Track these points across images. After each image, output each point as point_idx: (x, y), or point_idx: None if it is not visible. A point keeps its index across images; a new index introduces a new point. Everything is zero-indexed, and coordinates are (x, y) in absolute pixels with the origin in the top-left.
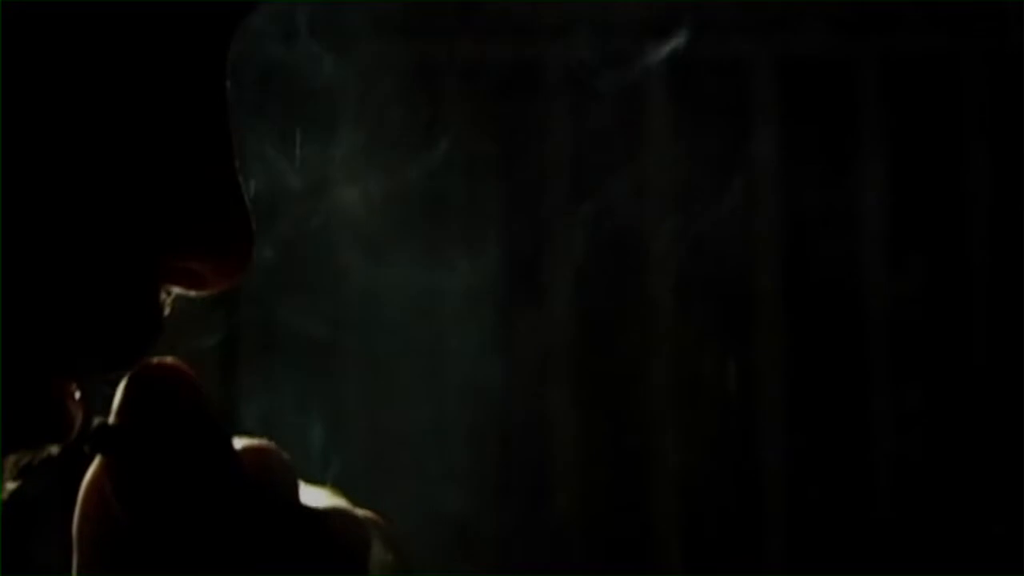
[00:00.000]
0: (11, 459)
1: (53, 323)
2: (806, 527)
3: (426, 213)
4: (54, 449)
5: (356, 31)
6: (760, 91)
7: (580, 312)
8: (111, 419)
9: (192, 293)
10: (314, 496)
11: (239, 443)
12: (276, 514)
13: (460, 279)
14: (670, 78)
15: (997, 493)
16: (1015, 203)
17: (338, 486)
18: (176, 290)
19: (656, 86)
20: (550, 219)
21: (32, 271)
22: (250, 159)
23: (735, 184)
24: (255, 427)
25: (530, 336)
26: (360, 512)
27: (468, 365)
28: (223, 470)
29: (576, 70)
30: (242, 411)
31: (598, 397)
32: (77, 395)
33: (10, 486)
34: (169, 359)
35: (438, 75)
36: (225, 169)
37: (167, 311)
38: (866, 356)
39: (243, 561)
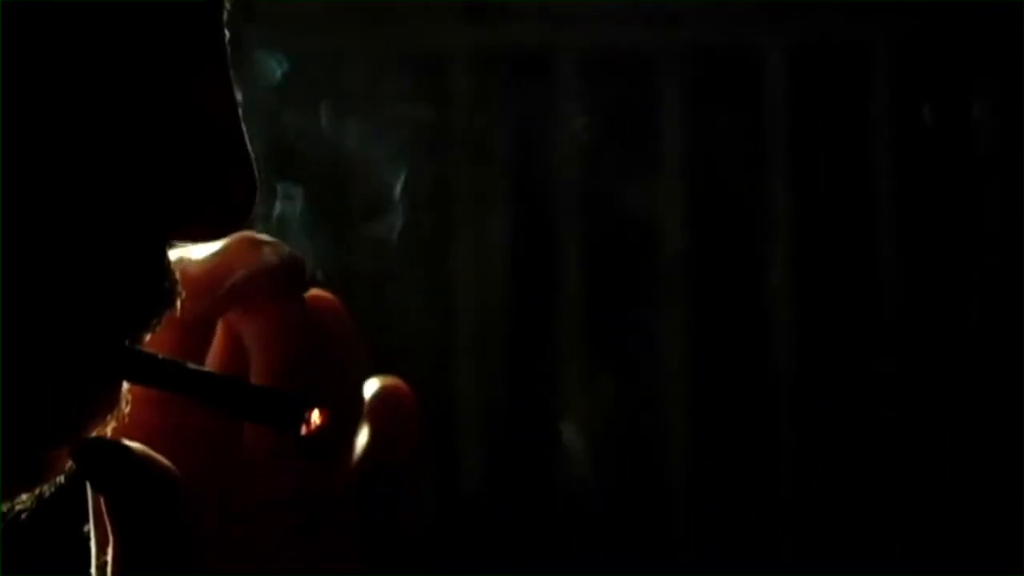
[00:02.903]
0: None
1: (60, 307)
2: (808, 524)
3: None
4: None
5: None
6: (772, 78)
7: (591, 300)
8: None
9: (191, 243)
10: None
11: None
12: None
13: (471, 264)
14: (682, 66)
15: (997, 493)
16: None
17: None
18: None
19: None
20: (560, 205)
21: (35, 254)
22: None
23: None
24: None
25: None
26: None
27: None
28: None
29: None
30: None
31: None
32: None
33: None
34: None
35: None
36: (231, 135)
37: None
38: (877, 347)
39: None
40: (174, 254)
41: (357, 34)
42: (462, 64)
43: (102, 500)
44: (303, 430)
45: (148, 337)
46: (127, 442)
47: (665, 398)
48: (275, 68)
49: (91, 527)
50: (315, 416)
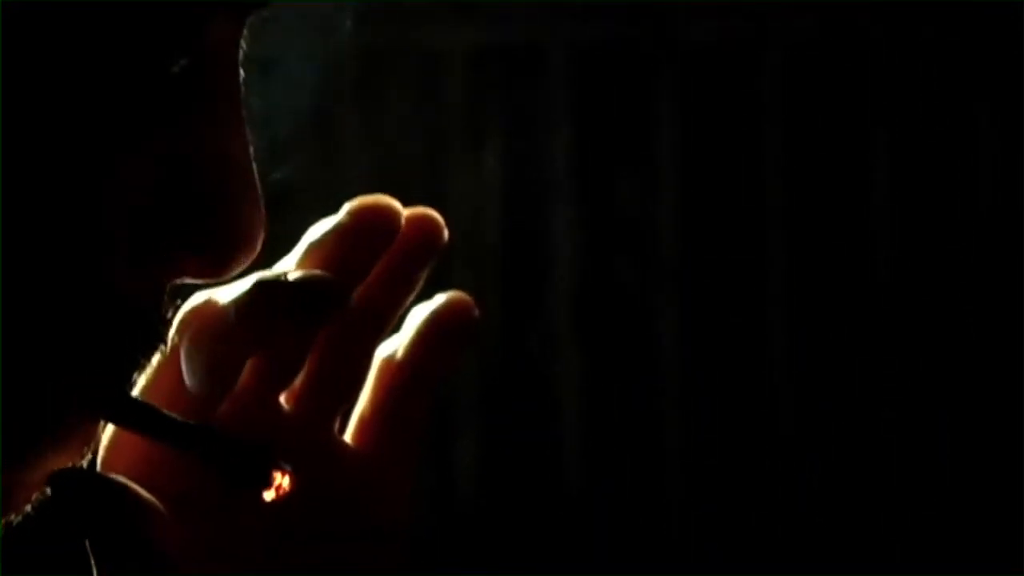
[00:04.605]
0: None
1: (41, 339)
2: (808, 524)
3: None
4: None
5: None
6: (768, 75)
7: (586, 297)
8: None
9: (202, 280)
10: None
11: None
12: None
13: (466, 261)
14: (675, 63)
15: (997, 493)
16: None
17: None
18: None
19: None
20: (553, 198)
21: (22, 286)
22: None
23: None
24: None
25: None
26: None
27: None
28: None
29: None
30: None
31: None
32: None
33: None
34: None
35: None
36: (240, 171)
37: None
38: (876, 347)
39: None
40: (203, 295)
41: (351, 33)
42: (455, 62)
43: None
44: (270, 494)
45: (137, 376)
46: (106, 473)
47: (663, 398)
48: (267, 68)
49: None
50: (284, 481)
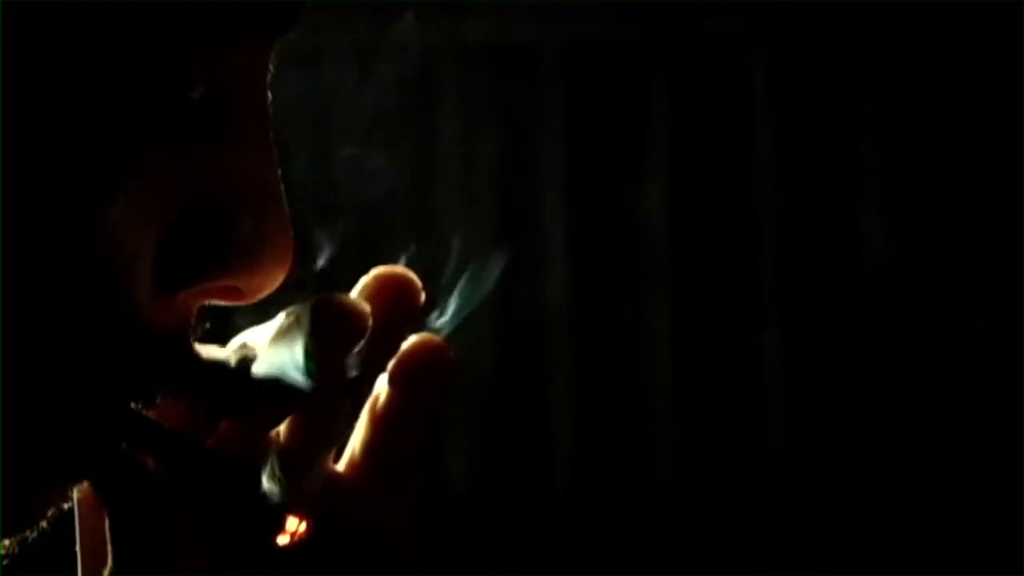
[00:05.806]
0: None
1: (62, 360)
2: (805, 523)
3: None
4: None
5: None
6: (759, 74)
7: (579, 295)
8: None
9: (230, 303)
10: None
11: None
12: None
13: (455, 254)
14: (668, 60)
15: (997, 493)
16: None
17: None
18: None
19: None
20: (548, 194)
21: (51, 305)
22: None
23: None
24: None
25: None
26: None
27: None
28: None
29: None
30: None
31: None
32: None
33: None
34: None
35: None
36: (266, 195)
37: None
38: (871, 343)
39: None
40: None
41: (342, 30)
42: (449, 60)
43: (107, 522)
44: (284, 539)
45: (159, 402)
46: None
47: (655, 398)
48: None
49: (79, 554)
50: (301, 527)
